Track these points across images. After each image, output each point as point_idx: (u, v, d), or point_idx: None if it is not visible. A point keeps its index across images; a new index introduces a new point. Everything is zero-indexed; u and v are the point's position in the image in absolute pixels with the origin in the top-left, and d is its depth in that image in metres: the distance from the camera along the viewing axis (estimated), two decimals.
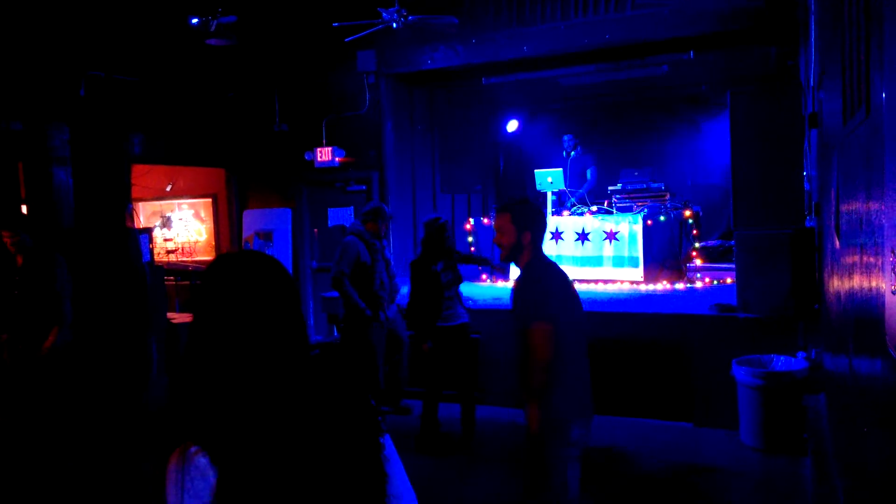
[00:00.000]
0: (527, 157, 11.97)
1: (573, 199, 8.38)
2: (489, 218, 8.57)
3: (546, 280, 3.12)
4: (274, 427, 1.32)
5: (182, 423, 1.33)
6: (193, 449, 1.28)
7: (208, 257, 10.46)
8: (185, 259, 10.49)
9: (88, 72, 7.30)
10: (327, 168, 8.91)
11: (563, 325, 3.04)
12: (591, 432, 3.20)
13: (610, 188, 8.60)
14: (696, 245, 7.98)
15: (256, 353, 1.35)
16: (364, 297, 5.76)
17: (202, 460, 1.27)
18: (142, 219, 10.54)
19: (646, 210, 7.81)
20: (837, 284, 3.31)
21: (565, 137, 8.97)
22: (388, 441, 1.49)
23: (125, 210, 7.61)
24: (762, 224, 5.40)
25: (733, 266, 5.97)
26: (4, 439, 5.13)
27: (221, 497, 1.25)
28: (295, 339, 1.41)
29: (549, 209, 8.17)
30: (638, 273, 7.64)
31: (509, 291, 3.27)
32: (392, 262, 6.33)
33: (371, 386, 5.86)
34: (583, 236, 7.84)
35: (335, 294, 6.05)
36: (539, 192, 8.43)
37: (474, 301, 6.83)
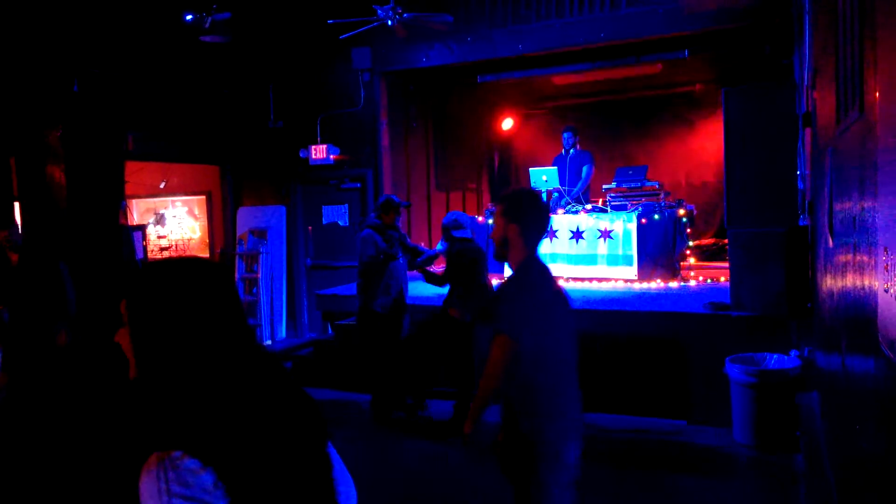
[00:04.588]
0: (521, 154, 11.97)
1: (567, 198, 8.36)
2: (483, 216, 8.56)
3: (531, 290, 2.71)
4: (247, 423, 1.35)
5: (151, 431, 1.32)
6: (177, 454, 1.26)
7: (203, 255, 10.44)
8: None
9: (82, 68, 7.27)
10: (322, 165, 8.90)
11: (548, 342, 2.69)
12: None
13: (604, 186, 8.60)
14: (690, 243, 8.00)
15: (209, 353, 1.37)
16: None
17: (191, 463, 1.26)
18: (135, 216, 10.49)
19: (640, 208, 7.80)
20: (830, 283, 3.32)
21: (566, 134, 8.86)
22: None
23: (118, 207, 7.57)
24: (756, 223, 5.40)
25: (727, 264, 5.97)
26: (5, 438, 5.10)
27: (230, 492, 1.27)
28: (242, 335, 1.44)
29: None
30: (632, 271, 7.64)
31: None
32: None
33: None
34: (577, 234, 7.84)
35: (330, 291, 6.05)
36: (535, 189, 8.41)
37: None
